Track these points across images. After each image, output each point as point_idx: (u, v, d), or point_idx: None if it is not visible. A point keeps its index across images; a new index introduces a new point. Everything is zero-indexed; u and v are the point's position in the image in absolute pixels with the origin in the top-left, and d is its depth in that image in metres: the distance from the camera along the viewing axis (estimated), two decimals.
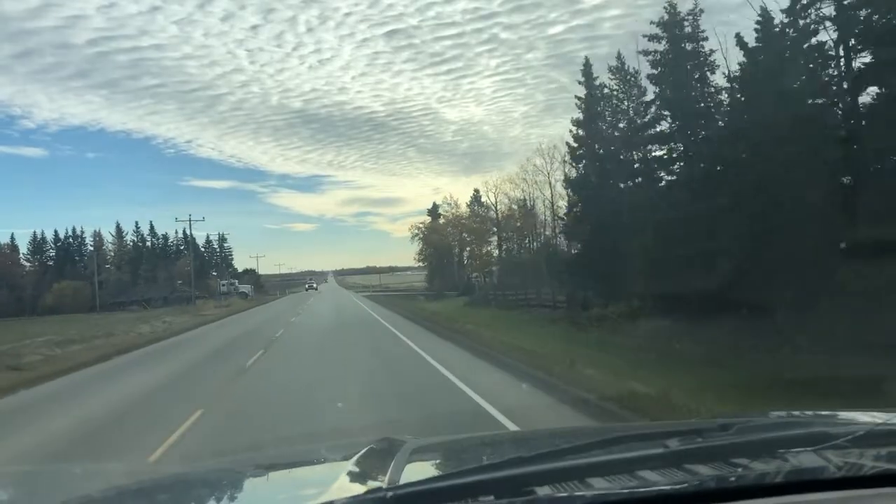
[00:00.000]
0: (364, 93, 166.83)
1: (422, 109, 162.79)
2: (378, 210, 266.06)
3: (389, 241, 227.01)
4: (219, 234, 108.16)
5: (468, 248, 75.06)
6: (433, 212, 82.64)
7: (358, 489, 1.33)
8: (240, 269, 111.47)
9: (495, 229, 69.47)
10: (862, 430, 1.45)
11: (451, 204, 79.19)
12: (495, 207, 68.27)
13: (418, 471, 1.56)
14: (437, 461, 1.92)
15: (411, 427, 7.58)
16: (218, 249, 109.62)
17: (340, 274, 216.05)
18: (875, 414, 1.79)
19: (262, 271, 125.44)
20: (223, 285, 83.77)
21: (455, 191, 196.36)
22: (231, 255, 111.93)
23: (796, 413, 1.98)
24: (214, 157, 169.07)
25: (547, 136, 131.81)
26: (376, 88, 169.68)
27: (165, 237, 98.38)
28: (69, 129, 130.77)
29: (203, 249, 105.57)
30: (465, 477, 1.27)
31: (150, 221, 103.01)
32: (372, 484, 1.37)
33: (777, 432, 1.53)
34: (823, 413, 1.92)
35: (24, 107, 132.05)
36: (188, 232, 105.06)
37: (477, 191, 78.34)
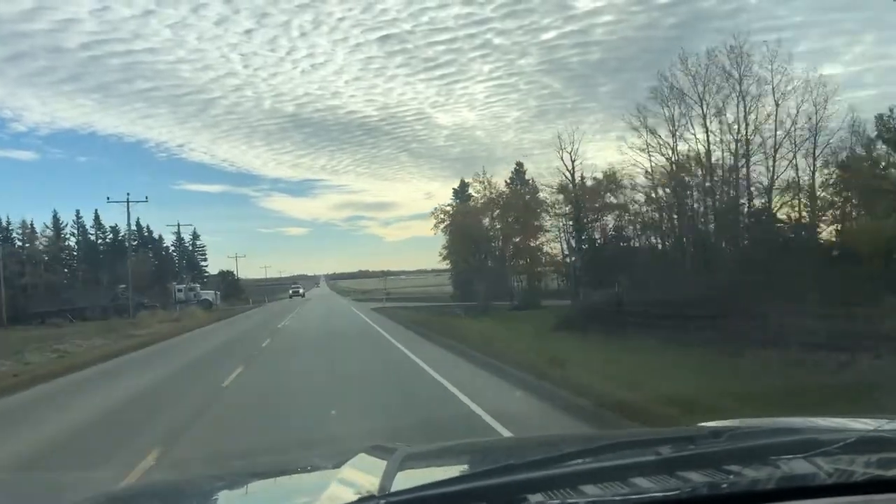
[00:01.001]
0: (357, 97, 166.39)
1: (415, 114, 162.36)
2: (371, 214, 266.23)
3: (382, 246, 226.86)
4: (176, 225, 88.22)
5: (515, 240, 54.90)
6: (461, 192, 61.88)
7: (348, 497, 1.32)
8: (215, 272, 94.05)
9: (567, 209, 50.64)
10: (852, 437, 1.45)
11: (484, 183, 56.97)
12: (571, 176, 48.04)
13: (410, 478, 1.55)
14: (429, 468, 1.91)
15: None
16: (190, 248, 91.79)
17: (333, 278, 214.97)
18: (865, 420, 1.81)
19: (246, 275, 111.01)
20: (179, 291, 65.95)
21: (448, 195, 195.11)
22: (205, 254, 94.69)
23: (787, 420, 1.99)
24: (207, 161, 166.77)
25: (540, 142, 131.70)
26: (369, 93, 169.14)
27: (115, 230, 77.32)
28: (60, 133, 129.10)
29: (173, 248, 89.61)
30: (457, 484, 1.26)
31: (96, 210, 77.64)
32: (363, 491, 1.36)
33: (768, 439, 1.53)
34: (814, 420, 1.94)
35: (14, 110, 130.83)
36: (138, 222, 79.63)
37: (520, 165, 59.45)
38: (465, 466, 1.90)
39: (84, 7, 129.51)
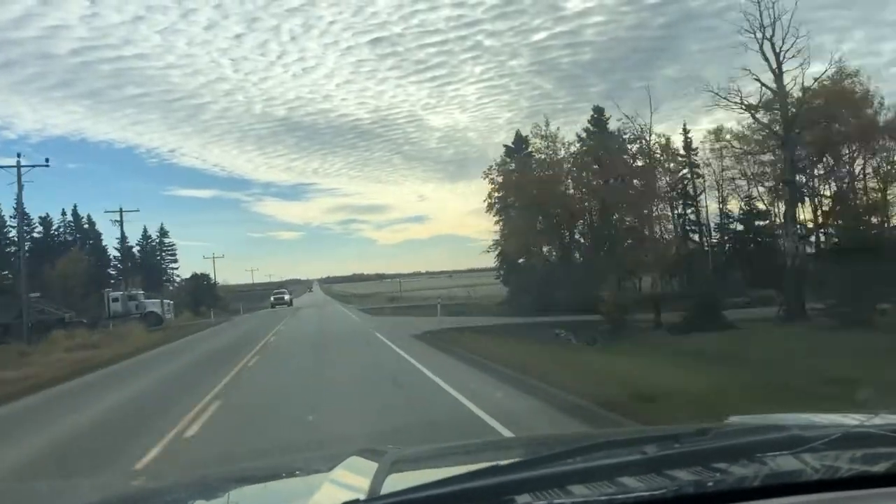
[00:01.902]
0: (349, 100, 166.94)
1: (407, 116, 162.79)
2: (364, 217, 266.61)
3: (376, 249, 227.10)
4: (132, 223, 64.10)
5: (617, 215, 36.09)
6: (517, 149, 40.92)
7: (336, 500, 1.32)
8: (188, 275, 76.18)
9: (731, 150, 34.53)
10: (838, 433, 1.46)
11: (548, 137, 37.90)
12: (777, 74, 26.65)
13: (400, 481, 1.55)
14: (420, 470, 1.92)
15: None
16: (157, 246, 76.87)
17: (326, 282, 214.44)
18: (852, 416, 1.81)
19: (232, 279, 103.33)
20: (114, 300, 47.96)
21: (441, 197, 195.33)
22: (174, 254, 79.31)
23: (774, 416, 2.00)
24: (198, 166, 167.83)
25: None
26: (361, 96, 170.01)
27: (46, 222, 62.21)
28: (50, 140, 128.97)
29: (138, 247, 73.58)
30: (444, 487, 1.26)
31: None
32: (351, 495, 1.36)
33: (754, 436, 1.54)
34: (801, 415, 1.94)
35: (4, 117, 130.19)
36: (75, 210, 64.58)
37: (600, 111, 39.69)
38: (455, 468, 1.90)
39: (73, 14, 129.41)
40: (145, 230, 76.94)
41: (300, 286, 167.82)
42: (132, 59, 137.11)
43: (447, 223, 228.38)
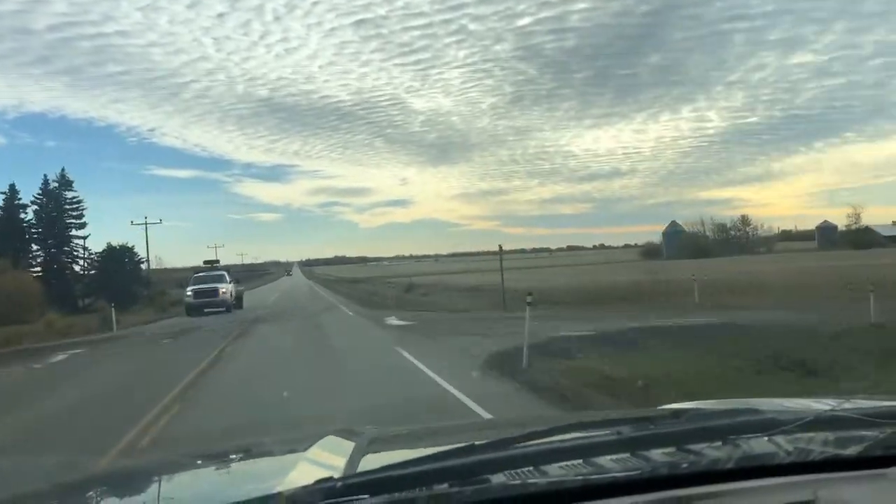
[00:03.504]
0: (331, 82, 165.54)
1: (390, 99, 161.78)
2: (345, 200, 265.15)
3: (357, 232, 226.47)
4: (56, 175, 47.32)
5: None
6: None
7: (311, 478, 1.31)
8: (101, 247, 50.67)
9: None
10: (810, 417, 1.48)
11: None
12: None
13: (375, 460, 1.55)
14: (396, 450, 1.91)
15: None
16: (56, 204, 49.53)
17: (307, 265, 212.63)
18: (824, 400, 1.84)
19: (187, 260, 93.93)
20: None
21: (423, 181, 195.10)
22: (81, 212, 50.44)
23: (747, 400, 2.02)
24: (178, 145, 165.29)
25: (513, 128, 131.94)
26: (344, 78, 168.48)
27: None
28: (28, 116, 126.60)
29: (36, 205, 48.66)
30: (418, 465, 1.26)
31: None
32: (326, 473, 1.35)
33: (728, 419, 1.56)
34: (774, 400, 1.97)
35: None
36: None
37: None
38: (432, 448, 1.90)
39: None
40: (46, 180, 49.25)
41: (278, 268, 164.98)
42: (113, 35, 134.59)
43: (430, 207, 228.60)
